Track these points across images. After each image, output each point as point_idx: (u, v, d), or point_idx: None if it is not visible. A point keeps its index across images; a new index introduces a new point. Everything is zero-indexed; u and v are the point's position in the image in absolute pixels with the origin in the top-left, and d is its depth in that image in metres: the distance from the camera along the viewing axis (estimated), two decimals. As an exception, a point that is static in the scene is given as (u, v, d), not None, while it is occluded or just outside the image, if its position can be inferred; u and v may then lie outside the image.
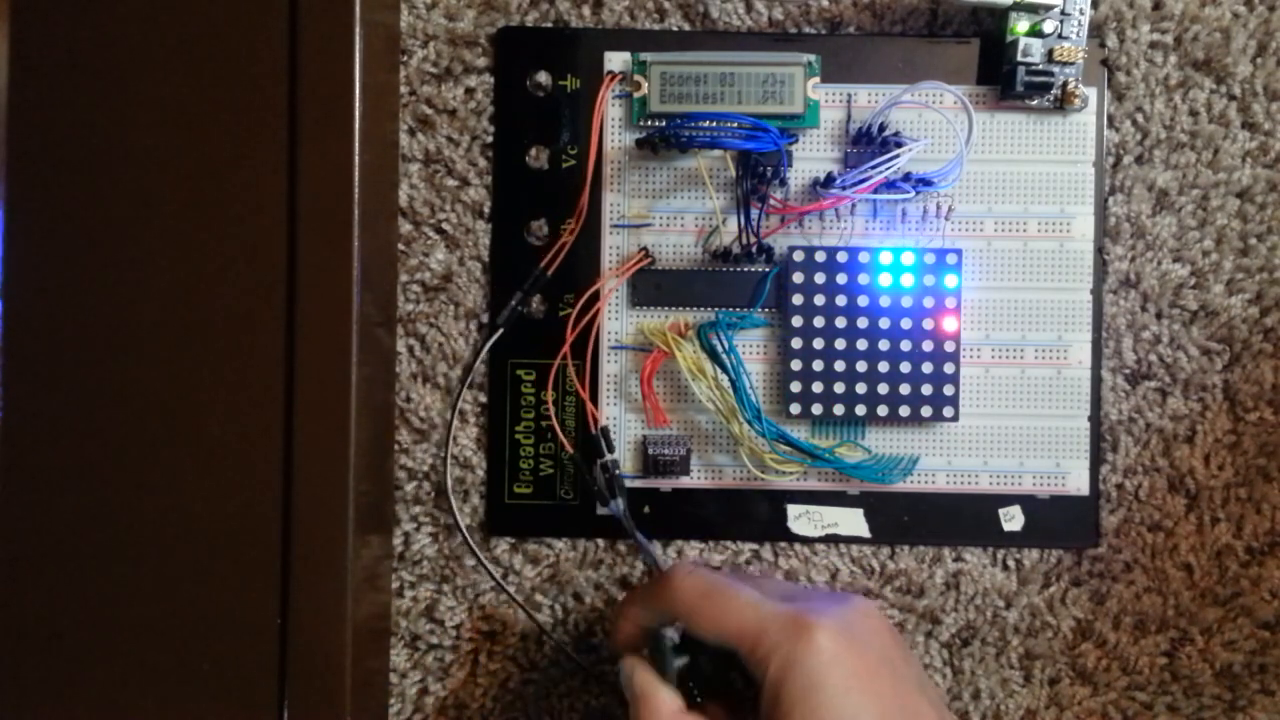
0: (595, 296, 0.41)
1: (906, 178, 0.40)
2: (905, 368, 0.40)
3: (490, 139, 0.42)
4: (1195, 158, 0.42)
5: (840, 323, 0.41)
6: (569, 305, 0.41)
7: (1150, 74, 0.42)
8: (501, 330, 0.41)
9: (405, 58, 0.42)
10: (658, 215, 0.42)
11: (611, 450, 0.41)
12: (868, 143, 0.41)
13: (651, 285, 0.42)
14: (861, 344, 0.40)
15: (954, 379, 0.41)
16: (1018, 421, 0.42)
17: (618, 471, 0.41)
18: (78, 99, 0.35)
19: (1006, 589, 0.42)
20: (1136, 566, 0.42)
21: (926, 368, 0.40)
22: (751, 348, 0.42)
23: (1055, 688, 0.42)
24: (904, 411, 0.41)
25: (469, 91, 0.42)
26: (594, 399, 0.42)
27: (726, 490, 0.42)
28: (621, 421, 0.42)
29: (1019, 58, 0.39)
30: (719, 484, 0.42)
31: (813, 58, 0.41)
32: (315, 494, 0.35)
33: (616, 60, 0.41)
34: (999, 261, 0.42)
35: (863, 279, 0.40)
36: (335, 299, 0.35)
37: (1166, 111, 0.42)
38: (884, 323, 0.40)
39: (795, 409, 0.41)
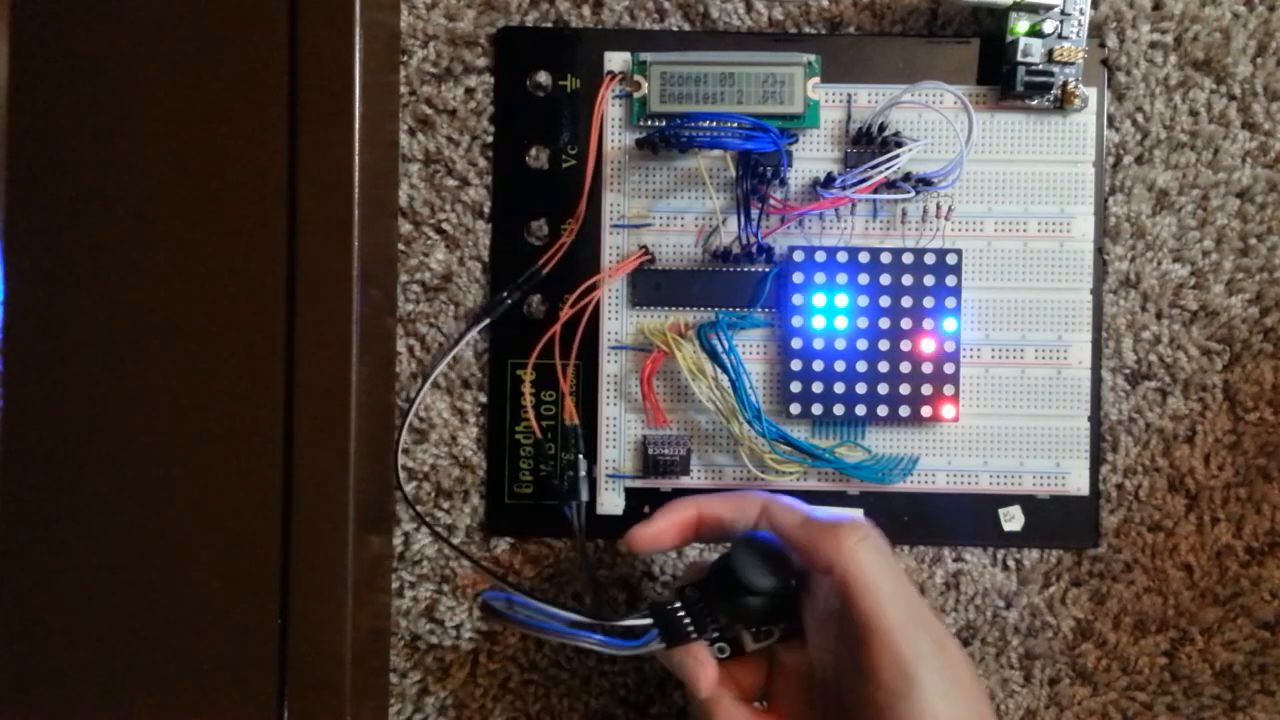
0: (588, 292, 0.41)
1: (906, 178, 0.40)
2: (905, 368, 0.40)
3: (490, 139, 0.42)
4: (1195, 158, 0.42)
5: (840, 323, 0.41)
6: (567, 303, 0.41)
7: (1150, 74, 0.42)
8: (488, 320, 0.41)
9: (405, 58, 0.42)
10: (658, 215, 0.42)
11: (580, 450, 0.41)
12: (868, 143, 0.41)
13: (651, 285, 0.42)
14: (861, 344, 0.40)
15: (954, 379, 0.41)
16: (1018, 421, 0.42)
17: (582, 473, 0.41)
18: (78, 99, 0.35)
19: (1006, 589, 0.42)
20: (1136, 566, 0.42)
21: (926, 368, 0.40)
22: (751, 348, 0.42)
23: (1055, 688, 0.42)
24: (904, 411, 0.41)
25: (469, 91, 0.42)
26: (594, 399, 0.42)
27: (726, 490, 0.42)
28: (621, 421, 0.42)
29: (1019, 58, 0.39)
30: (719, 484, 0.42)
31: (813, 58, 0.41)
32: (315, 494, 0.35)
33: (616, 60, 0.41)
34: (999, 261, 0.42)
35: (863, 279, 0.40)
36: (335, 299, 0.35)
37: (1166, 111, 0.42)
38: (884, 323, 0.40)
39: (795, 409, 0.41)
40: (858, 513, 0.34)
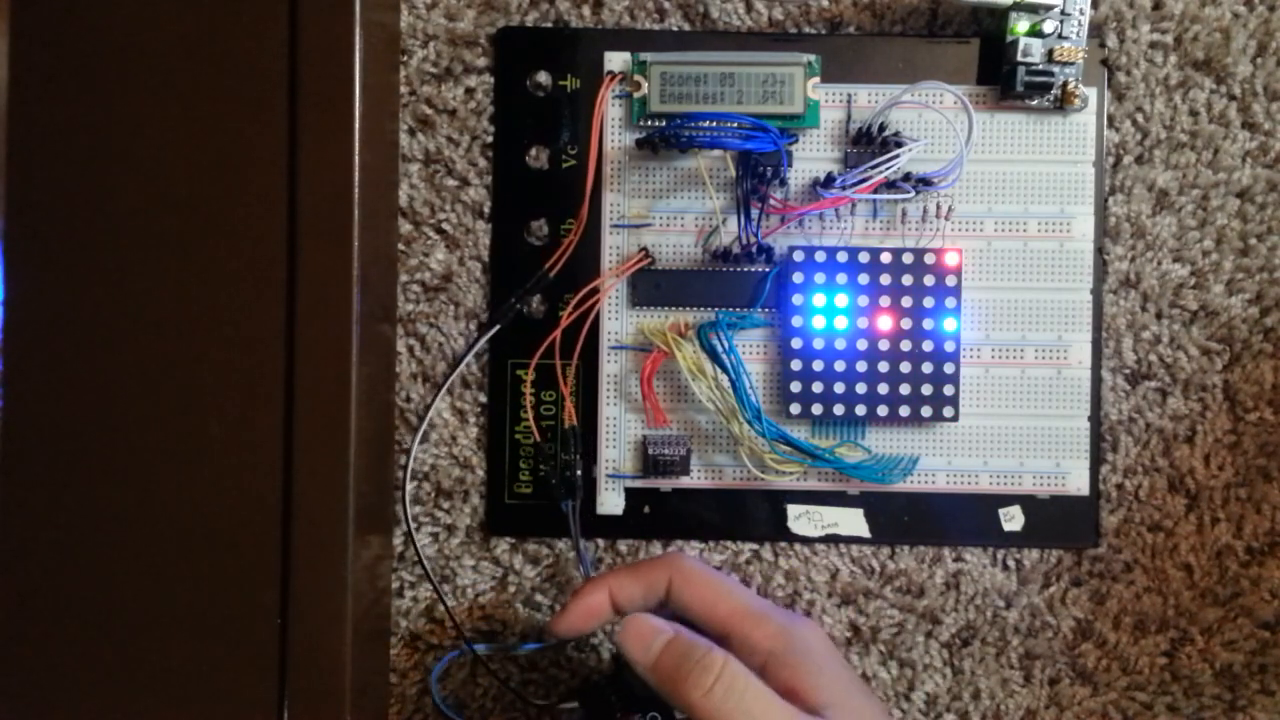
0: (589, 297, 0.41)
1: (906, 178, 0.40)
2: (905, 368, 0.40)
3: (490, 139, 0.42)
4: (1195, 158, 0.42)
5: (840, 323, 0.41)
6: (569, 306, 0.41)
7: (1150, 74, 0.42)
8: (498, 327, 0.41)
9: (405, 58, 0.42)
10: (658, 215, 0.42)
11: (578, 451, 0.41)
12: (868, 143, 0.41)
13: (651, 285, 0.42)
14: (861, 344, 0.40)
15: (954, 379, 0.41)
16: (1018, 421, 0.42)
17: (578, 472, 0.41)
18: (78, 99, 0.35)
19: (1006, 589, 0.42)
20: (1136, 566, 0.42)
21: (926, 368, 0.40)
22: (751, 348, 0.42)
23: (1055, 688, 0.42)
24: (904, 411, 0.41)
25: (469, 91, 0.42)
26: (594, 399, 0.42)
27: (726, 490, 0.42)
28: (621, 421, 0.42)
29: (1019, 58, 0.39)
30: (719, 484, 0.42)
31: (813, 58, 0.41)
32: (315, 494, 0.35)
33: (616, 60, 0.41)
34: (999, 261, 0.42)
35: (863, 279, 0.40)
36: (335, 299, 0.35)
37: (1166, 111, 0.42)
38: (884, 323, 0.40)
39: (795, 409, 0.41)
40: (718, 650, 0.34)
